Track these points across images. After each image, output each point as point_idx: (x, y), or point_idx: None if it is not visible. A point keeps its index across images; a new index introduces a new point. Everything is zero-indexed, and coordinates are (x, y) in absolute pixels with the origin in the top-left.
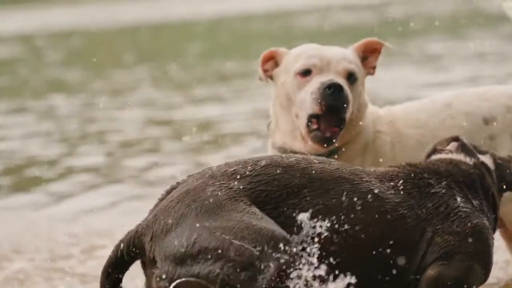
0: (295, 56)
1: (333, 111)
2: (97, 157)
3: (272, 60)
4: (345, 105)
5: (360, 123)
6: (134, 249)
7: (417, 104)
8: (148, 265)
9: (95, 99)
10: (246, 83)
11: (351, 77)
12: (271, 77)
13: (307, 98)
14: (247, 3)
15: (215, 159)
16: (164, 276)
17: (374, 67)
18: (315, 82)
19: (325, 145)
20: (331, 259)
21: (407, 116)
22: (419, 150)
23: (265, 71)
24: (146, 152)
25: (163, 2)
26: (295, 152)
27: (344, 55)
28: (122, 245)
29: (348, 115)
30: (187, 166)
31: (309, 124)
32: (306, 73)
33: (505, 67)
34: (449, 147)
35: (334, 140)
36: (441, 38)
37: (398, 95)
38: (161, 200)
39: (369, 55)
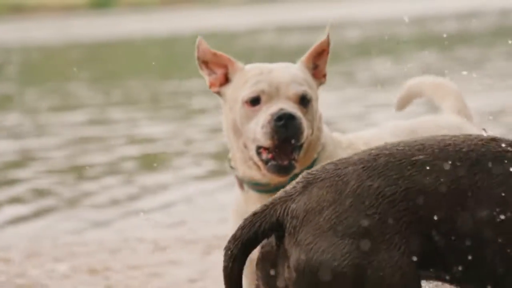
0: (244, 81)
1: (287, 141)
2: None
3: (223, 70)
4: (299, 134)
5: (322, 140)
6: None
7: (378, 130)
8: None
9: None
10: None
11: (303, 100)
12: (218, 92)
13: (257, 131)
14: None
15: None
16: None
17: (324, 75)
18: (264, 114)
19: (285, 174)
20: None
21: (369, 142)
22: None
23: (212, 84)
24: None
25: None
26: (257, 184)
27: (294, 77)
28: (259, 223)
29: (304, 139)
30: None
31: (260, 154)
32: (254, 101)
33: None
34: None
35: (294, 167)
36: (392, 60)
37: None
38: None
39: (318, 62)
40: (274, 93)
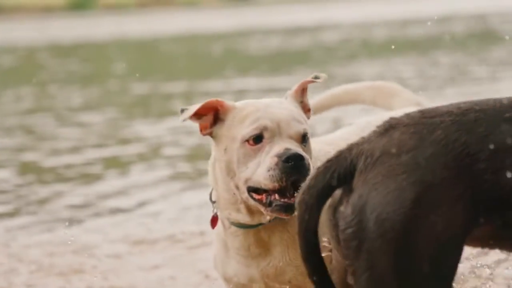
0: (240, 119)
1: (296, 182)
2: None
3: (212, 112)
4: (307, 175)
5: None
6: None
7: (348, 129)
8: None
9: None
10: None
11: (304, 138)
12: (210, 134)
13: (260, 173)
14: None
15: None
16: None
17: (309, 110)
18: (269, 155)
19: (290, 213)
20: None
21: (335, 143)
22: None
23: (203, 127)
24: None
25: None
26: (242, 225)
27: (292, 113)
28: (333, 167)
29: None
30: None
31: (252, 196)
32: (257, 139)
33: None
34: None
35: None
36: (370, 63)
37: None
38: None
39: (302, 98)
40: (276, 131)
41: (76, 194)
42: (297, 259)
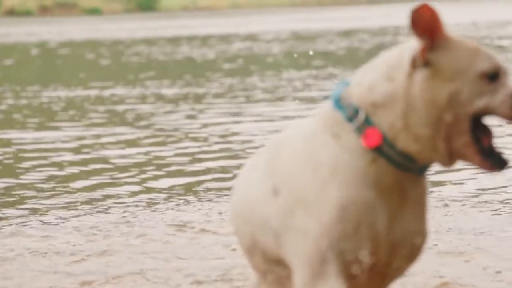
0: (472, 51)
1: None
2: None
3: (431, 33)
4: None
5: None
6: None
7: None
8: None
9: None
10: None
11: None
12: (427, 63)
13: (504, 101)
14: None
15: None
16: None
17: None
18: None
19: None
20: None
21: None
22: None
23: (425, 48)
24: None
25: None
26: (408, 158)
27: None
28: None
29: None
30: None
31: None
32: (493, 77)
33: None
34: None
35: None
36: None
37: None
38: None
39: None
40: (503, 74)
41: None
42: None
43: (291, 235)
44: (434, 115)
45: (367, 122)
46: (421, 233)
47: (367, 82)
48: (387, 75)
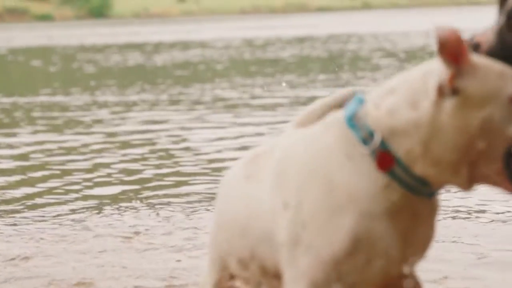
0: (499, 74)
1: None
2: None
3: (456, 58)
4: None
5: None
6: None
7: None
8: None
9: None
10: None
11: None
12: (455, 91)
13: None
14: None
15: None
16: None
17: None
18: None
19: None
20: None
21: None
22: None
23: (453, 76)
24: None
25: None
26: (423, 183)
27: None
28: None
29: None
30: None
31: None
32: None
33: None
34: None
35: None
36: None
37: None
38: None
39: None
40: None
41: None
42: None
43: (299, 248)
44: (465, 142)
45: (382, 145)
46: (431, 243)
47: (386, 105)
48: (410, 101)
